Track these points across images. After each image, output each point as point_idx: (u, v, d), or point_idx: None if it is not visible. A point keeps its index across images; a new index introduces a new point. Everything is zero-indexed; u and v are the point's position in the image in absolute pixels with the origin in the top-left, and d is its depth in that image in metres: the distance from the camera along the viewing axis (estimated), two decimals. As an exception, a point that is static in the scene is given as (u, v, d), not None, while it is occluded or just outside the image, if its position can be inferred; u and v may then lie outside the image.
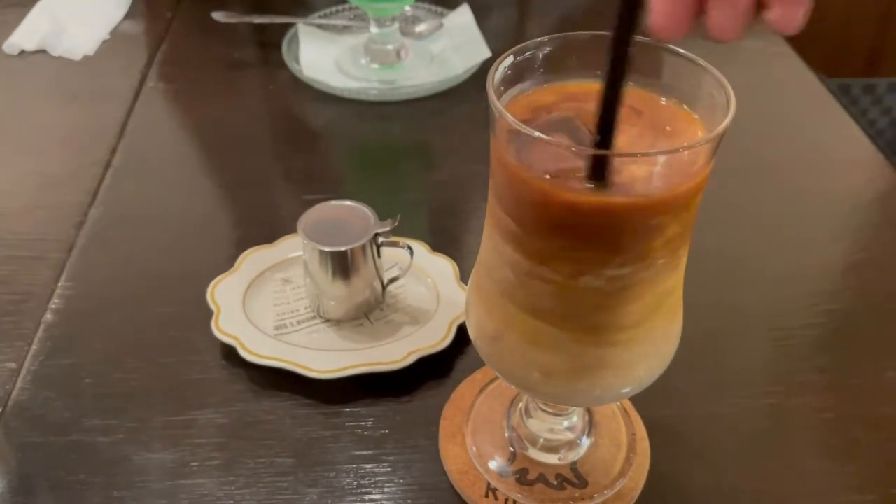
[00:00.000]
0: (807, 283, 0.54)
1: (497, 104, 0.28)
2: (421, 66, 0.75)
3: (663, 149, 0.28)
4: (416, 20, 0.82)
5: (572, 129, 0.30)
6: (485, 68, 0.73)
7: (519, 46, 0.31)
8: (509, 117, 0.27)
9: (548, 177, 0.28)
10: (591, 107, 0.28)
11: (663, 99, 0.31)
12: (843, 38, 1.45)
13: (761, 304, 0.52)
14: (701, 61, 0.30)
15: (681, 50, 0.30)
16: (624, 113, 0.30)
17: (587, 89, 0.31)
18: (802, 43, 0.85)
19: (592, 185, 0.27)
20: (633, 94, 0.31)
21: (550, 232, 0.30)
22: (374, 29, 0.74)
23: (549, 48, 0.32)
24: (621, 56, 0.26)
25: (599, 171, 0.27)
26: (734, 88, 0.29)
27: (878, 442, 0.44)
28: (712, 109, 0.29)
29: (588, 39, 0.31)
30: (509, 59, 0.31)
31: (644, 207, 0.27)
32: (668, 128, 0.30)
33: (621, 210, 0.28)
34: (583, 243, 0.29)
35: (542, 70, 0.32)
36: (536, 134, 0.27)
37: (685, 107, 0.31)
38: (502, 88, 0.31)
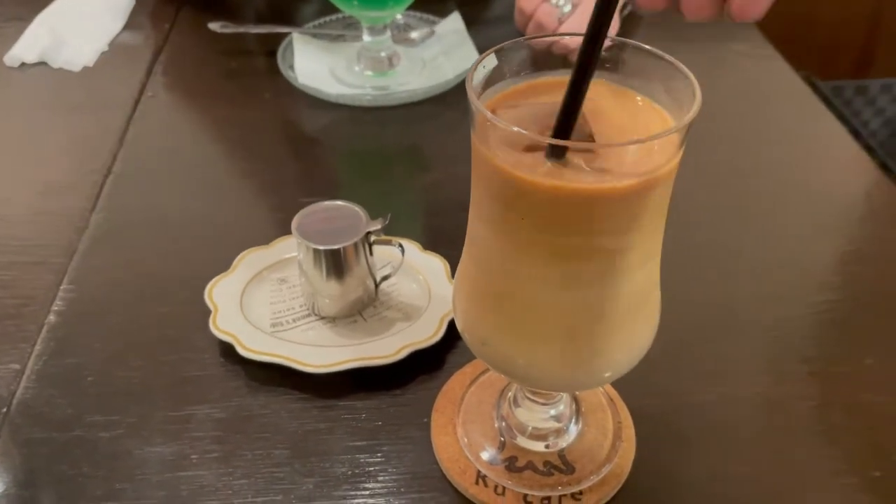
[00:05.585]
0: (792, 276, 0.56)
1: (476, 101, 0.30)
2: (413, 73, 0.77)
3: (629, 139, 0.30)
4: (408, 28, 0.83)
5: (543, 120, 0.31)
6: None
7: (496, 47, 0.33)
8: (487, 113, 0.29)
9: (522, 166, 0.29)
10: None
11: (639, 97, 0.33)
12: (834, 40, 1.47)
13: (748, 297, 0.54)
14: (668, 57, 0.31)
15: (650, 47, 0.32)
16: (599, 106, 0.31)
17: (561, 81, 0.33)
18: (794, 46, 0.86)
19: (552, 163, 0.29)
20: (607, 89, 0.33)
21: (524, 220, 0.31)
22: (366, 37, 0.75)
23: (524, 48, 0.34)
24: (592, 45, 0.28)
25: (559, 152, 0.29)
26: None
27: (859, 427, 0.45)
28: (681, 104, 0.31)
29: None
30: (489, 59, 0.33)
31: (614, 194, 0.29)
32: (638, 121, 0.31)
33: (591, 196, 0.29)
34: (557, 230, 0.31)
35: (520, 68, 0.34)
36: (515, 128, 0.28)
37: (655, 102, 0.32)
38: (482, 88, 0.33)
